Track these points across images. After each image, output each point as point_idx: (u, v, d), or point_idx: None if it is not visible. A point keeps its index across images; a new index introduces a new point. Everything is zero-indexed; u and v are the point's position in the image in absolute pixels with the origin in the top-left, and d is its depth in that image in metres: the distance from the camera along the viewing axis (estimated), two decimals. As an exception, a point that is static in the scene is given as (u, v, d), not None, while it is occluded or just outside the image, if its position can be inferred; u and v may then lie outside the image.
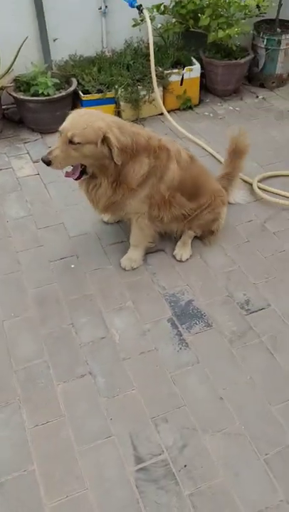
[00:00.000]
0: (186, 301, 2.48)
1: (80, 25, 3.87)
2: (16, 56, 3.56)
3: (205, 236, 2.78)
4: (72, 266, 2.70)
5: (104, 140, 2.15)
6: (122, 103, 3.82)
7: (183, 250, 2.72)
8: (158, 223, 2.58)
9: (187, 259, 2.70)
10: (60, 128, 2.21)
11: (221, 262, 2.70)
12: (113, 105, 3.84)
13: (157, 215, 2.52)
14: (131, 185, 2.33)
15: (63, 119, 3.75)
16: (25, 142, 3.76)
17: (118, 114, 3.88)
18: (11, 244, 2.83)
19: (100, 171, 2.29)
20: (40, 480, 1.81)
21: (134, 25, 3.86)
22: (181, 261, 2.69)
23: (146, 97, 3.85)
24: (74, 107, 3.86)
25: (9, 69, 3.60)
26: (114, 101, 3.82)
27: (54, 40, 3.87)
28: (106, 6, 3.85)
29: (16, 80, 3.72)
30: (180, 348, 2.25)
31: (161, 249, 2.79)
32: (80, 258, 2.74)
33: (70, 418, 2.00)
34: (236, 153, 2.83)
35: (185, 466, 1.83)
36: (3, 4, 3.56)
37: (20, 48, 3.56)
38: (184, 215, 2.60)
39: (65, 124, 2.20)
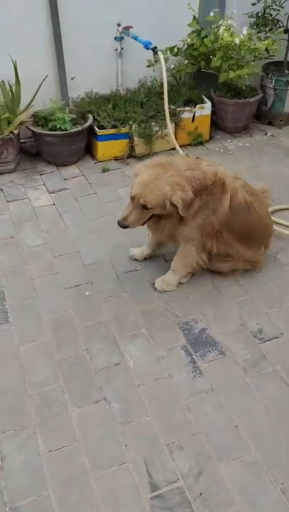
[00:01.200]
0: (199, 329, 2.51)
1: (96, 65, 4.07)
2: (36, 93, 3.74)
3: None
4: (87, 293, 2.75)
5: (171, 202, 2.35)
6: (135, 138, 3.96)
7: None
8: (204, 256, 2.65)
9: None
10: (132, 194, 2.40)
11: (234, 291, 2.74)
12: (127, 140, 3.98)
13: (207, 246, 2.61)
14: (186, 219, 2.46)
15: (79, 153, 3.91)
16: (42, 174, 3.88)
17: (132, 148, 4.02)
18: (27, 271, 2.89)
19: (167, 216, 2.47)
20: (56, 506, 1.80)
21: (148, 66, 4.05)
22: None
23: (159, 133, 3.99)
24: (89, 141, 4.02)
25: (29, 105, 3.76)
26: (128, 136, 3.97)
27: (72, 79, 4.05)
28: (122, 48, 4.06)
29: (34, 115, 3.88)
30: (194, 376, 2.27)
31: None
32: (95, 285, 2.79)
33: (85, 443, 2.00)
34: None
35: (201, 494, 1.82)
36: (27, 45, 3.75)
37: (40, 86, 3.74)
38: (231, 255, 2.69)
39: (137, 190, 2.38)
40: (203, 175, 2.42)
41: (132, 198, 2.40)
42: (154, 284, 2.77)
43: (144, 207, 2.37)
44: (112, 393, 2.20)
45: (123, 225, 2.43)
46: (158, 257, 2.99)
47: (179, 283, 2.76)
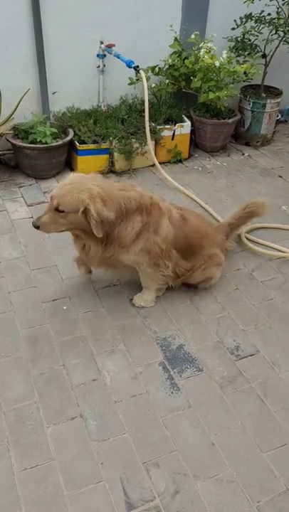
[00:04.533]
0: (177, 346, 2.51)
1: (78, 81, 4.11)
2: (17, 106, 3.74)
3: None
4: (65, 307, 2.73)
5: (85, 212, 2.24)
6: (115, 154, 3.99)
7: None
8: (167, 271, 2.61)
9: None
10: (50, 194, 2.35)
11: (211, 308, 2.76)
12: (107, 155, 4.01)
13: (162, 264, 2.57)
14: (124, 243, 2.41)
15: (59, 166, 3.91)
16: (21, 186, 3.86)
17: (112, 164, 4.05)
18: (3, 284, 2.85)
19: (86, 234, 2.39)
20: (28, 526, 1.75)
21: (130, 84, 4.11)
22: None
23: (139, 150, 4.03)
24: (69, 155, 4.02)
25: (10, 117, 3.75)
26: (108, 151, 3.99)
27: (53, 93, 4.07)
28: (104, 65, 4.11)
29: (14, 128, 3.87)
30: (171, 392, 2.26)
31: (152, 293, 2.84)
32: (73, 300, 2.77)
33: (60, 461, 1.96)
34: (249, 215, 3.05)
35: (177, 512, 1.81)
36: (10, 58, 3.76)
37: (21, 99, 3.74)
38: (177, 273, 2.67)
39: (54, 192, 2.32)
40: (139, 195, 2.41)
41: (50, 199, 2.34)
42: (132, 299, 2.77)
43: (57, 208, 2.28)
44: (88, 410, 2.17)
45: (35, 224, 2.35)
46: (135, 272, 2.99)
47: (157, 296, 2.77)
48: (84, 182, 2.31)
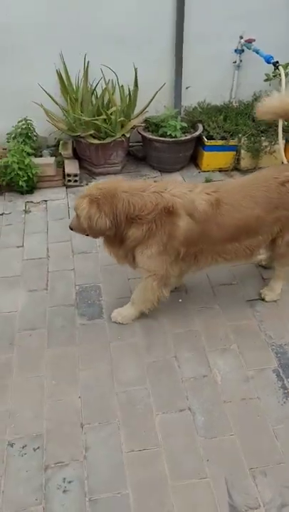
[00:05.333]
0: (293, 355, 2.41)
1: (212, 76, 4.09)
2: (152, 100, 3.83)
3: None
4: (180, 300, 2.76)
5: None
6: (243, 151, 3.92)
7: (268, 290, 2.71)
8: (166, 292, 2.49)
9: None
10: None
11: None
12: (234, 152, 3.95)
13: (179, 270, 2.46)
14: (130, 245, 2.33)
15: (184, 161, 3.94)
16: (146, 178, 3.96)
17: (237, 161, 3.98)
18: (124, 271, 2.94)
19: (117, 240, 2.36)
20: (133, 506, 1.81)
21: (266, 80, 3.99)
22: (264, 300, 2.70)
23: (268, 148, 3.91)
24: (195, 150, 4.03)
25: (143, 110, 3.87)
26: (235, 148, 3.93)
27: (187, 88, 4.10)
28: (241, 60, 4.03)
29: (146, 121, 3.98)
30: (284, 402, 2.18)
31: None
32: (189, 294, 2.79)
33: (166, 450, 1.99)
34: None
35: (283, 527, 1.74)
36: (149, 52, 3.87)
37: (156, 93, 3.83)
38: (246, 251, 2.44)
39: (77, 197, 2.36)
40: (142, 203, 2.23)
41: None
42: (248, 300, 2.71)
43: (76, 213, 2.31)
44: (197, 405, 2.17)
45: (70, 226, 2.43)
46: (255, 274, 2.92)
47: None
48: (92, 188, 2.30)
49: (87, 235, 2.40)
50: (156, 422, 2.11)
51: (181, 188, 2.33)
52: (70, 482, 1.89)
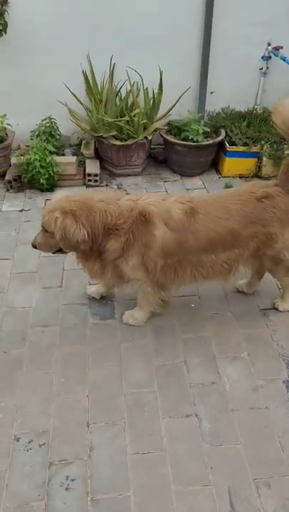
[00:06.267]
0: (305, 367, 2.38)
1: (238, 81, 4.08)
2: (176, 103, 3.84)
3: None
4: (193, 305, 2.75)
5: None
6: (264, 158, 3.89)
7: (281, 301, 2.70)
8: (164, 294, 2.47)
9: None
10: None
11: None
12: (256, 159, 3.93)
13: (162, 282, 2.41)
14: (110, 257, 2.30)
15: (205, 165, 3.92)
16: (165, 181, 3.98)
17: (259, 168, 3.95)
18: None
19: (92, 256, 2.32)
20: (134, 509, 1.81)
21: (291, 87, 3.96)
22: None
23: (290, 156, 3.87)
24: (217, 156, 4.02)
25: (167, 113, 3.88)
26: (257, 155, 3.91)
27: (211, 93, 4.10)
28: (267, 67, 4.01)
29: (169, 124, 3.99)
30: (293, 414, 2.15)
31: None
32: (202, 299, 2.78)
33: (170, 454, 1.99)
34: None
35: None
36: (175, 55, 3.88)
37: (181, 96, 3.83)
38: (224, 266, 2.37)
39: (42, 211, 2.29)
40: (119, 211, 2.20)
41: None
42: (262, 309, 2.69)
43: (44, 229, 2.25)
44: (204, 411, 2.16)
45: (32, 243, 2.36)
46: (271, 283, 2.90)
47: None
48: (62, 199, 2.25)
49: (55, 252, 2.36)
50: (162, 426, 2.10)
51: (155, 198, 2.33)
52: (73, 480, 1.90)
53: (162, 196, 2.38)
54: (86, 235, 2.17)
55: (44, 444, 2.03)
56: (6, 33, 3.63)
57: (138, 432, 2.08)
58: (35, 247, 2.38)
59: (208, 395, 2.24)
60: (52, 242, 2.27)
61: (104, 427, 2.09)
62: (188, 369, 2.37)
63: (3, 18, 3.57)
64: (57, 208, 2.19)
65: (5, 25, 3.59)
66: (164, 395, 2.24)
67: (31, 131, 3.96)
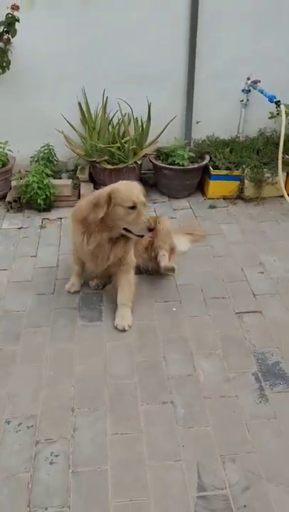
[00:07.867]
0: (273, 362, 2.59)
1: (221, 112, 4.45)
2: (163, 130, 4.19)
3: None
4: (174, 309, 2.99)
5: None
6: (246, 181, 4.20)
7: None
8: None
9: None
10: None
11: (315, 334, 2.78)
12: (238, 182, 4.24)
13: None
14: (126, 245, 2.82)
15: (191, 188, 4.23)
16: (155, 202, 4.28)
17: (241, 190, 4.26)
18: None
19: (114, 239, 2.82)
20: (111, 480, 2.00)
21: (270, 118, 4.32)
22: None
23: (270, 179, 4.19)
24: (202, 179, 4.34)
25: (155, 140, 4.22)
26: (239, 178, 4.22)
27: (197, 123, 4.46)
28: (247, 100, 4.39)
29: (157, 150, 4.33)
30: (260, 401, 2.35)
31: (258, 310, 2.96)
32: (183, 304, 3.02)
33: (146, 435, 2.19)
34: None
35: (245, 506, 1.90)
36: (163, 88, 4.28)
37: (167, 125, 4.19)
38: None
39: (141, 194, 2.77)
40: (99, 193, 2.72)
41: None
42: (237, 313, 2.92)
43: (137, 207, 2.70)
44: (179, 399, 2.37)
45: (149, 227, 2.75)
46: (246, 289, 3.13)
47: None
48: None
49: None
50: (140, 411, 2.31)
51: None
52: (56, 456, 2.09)
53: None
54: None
55: (32, 426, 2.23)
56: (9, 69, 4.02)
57: (118, 417, 2.28)
58: (152, 229, 2.74)
59: (183, 386, 2.45)
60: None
61: (87, 412, 2.30)
62: (166, 364, 2.58)
63: (7, 56, 3.97)
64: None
65: (8, 63, 3.99)
66: (144, 386, 2.45)
67: (31, 157, 4.31)
